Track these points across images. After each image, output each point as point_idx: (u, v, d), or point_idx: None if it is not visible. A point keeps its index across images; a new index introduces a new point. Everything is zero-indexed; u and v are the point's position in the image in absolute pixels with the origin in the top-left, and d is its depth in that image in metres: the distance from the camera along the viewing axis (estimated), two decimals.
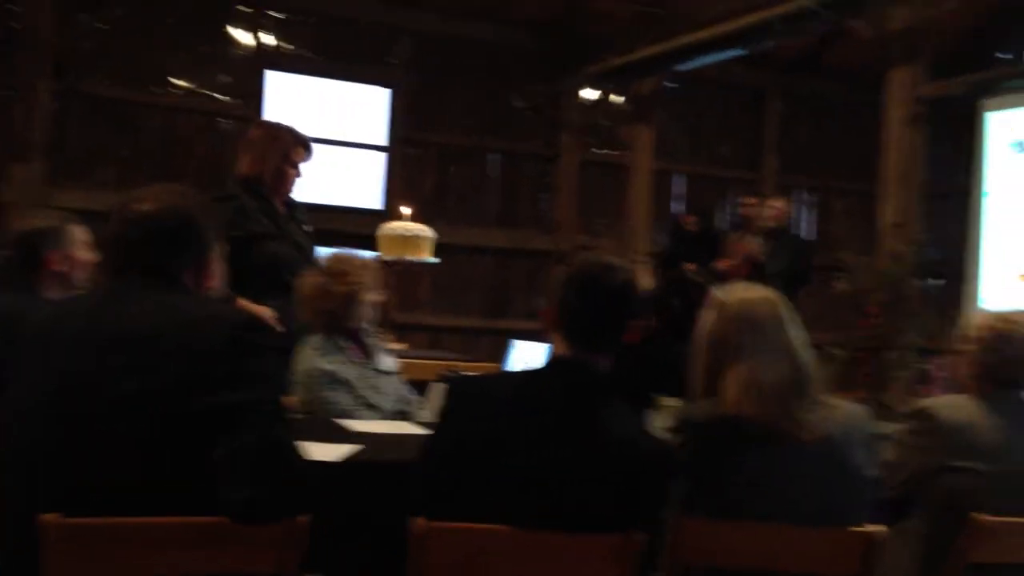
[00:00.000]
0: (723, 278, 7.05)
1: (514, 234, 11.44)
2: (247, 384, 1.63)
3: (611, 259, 2.08)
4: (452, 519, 1.75)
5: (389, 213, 11.05)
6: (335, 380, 3.09)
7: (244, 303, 3.56)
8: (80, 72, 9.57)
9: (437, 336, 11.21)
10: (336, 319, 3.22)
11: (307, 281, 3.32)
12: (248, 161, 3.88)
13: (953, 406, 2.48)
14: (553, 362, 1.96)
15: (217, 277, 1.92)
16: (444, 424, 1.89)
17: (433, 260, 3.97)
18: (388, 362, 3.38)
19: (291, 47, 10.50)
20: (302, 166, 3.95)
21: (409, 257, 3.94)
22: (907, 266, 7.17)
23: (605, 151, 11.56)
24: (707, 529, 2.01)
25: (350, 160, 10.97)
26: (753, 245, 7.00)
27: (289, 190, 3.92)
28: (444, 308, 11.29)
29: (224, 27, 10.21)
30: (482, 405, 1.86)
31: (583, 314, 2.00)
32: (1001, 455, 2.37)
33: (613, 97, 11.17)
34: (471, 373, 3.50)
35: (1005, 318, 2.53)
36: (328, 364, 3.12)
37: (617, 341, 1.99)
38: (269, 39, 10.36)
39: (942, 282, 7.33)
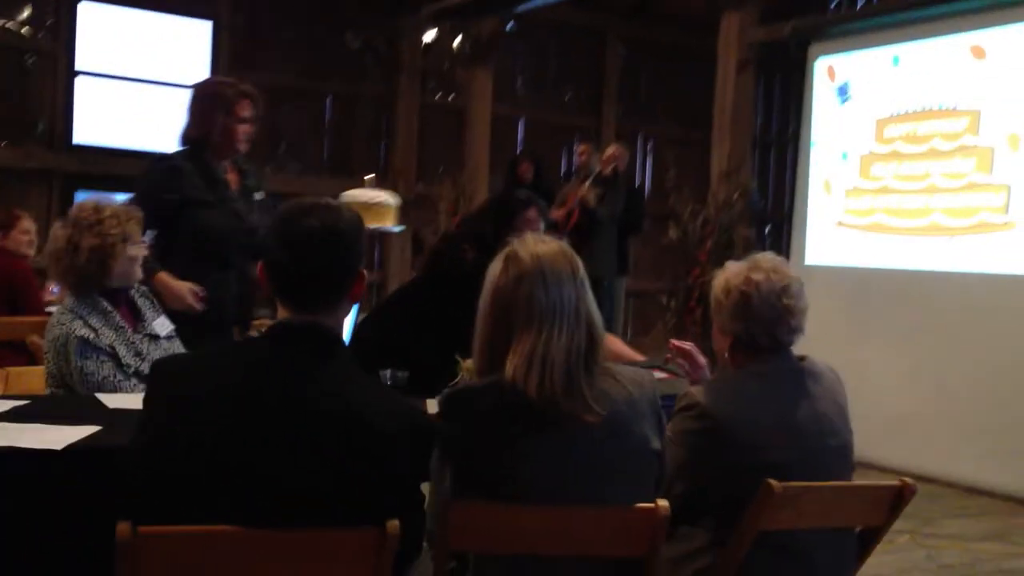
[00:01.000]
0: (555, 227, 6.91)
1: (349, 182, 10.98)
2: None
3: (316, 200, 1.74)
4: (166, 521, 1.47)
5: None
6: (90, 346, 2.72)
7: (165, 277, 3.25)
8: None
9: None
10: (89, 277, 2.82)
11: (54, 234, 2.92)
12: (190, 123, 3.56)
13: (725, 398, 2.16)
14: (271, 329, 1.68)
15: None
16: (146, 412, 1.60)
17: (398, 228, 3.59)
18: (165, 326, 3.01)
19: None
20: (247, 118, 3.55)
21: (373, 226, 3.53)
22: (736, 214, 7.18)
23: (444, 95, 11.23)
24: (482, 513, 1.79)
25: (167, 101, 10.27)
26: (584, 192, 6.86)
27: (238, 148, 3.55)
28: None
29: None
30: (189, 387, 1.57)
31: (286, 267, 1.70)
32: (786, 441, 2.11)
33: (452, 39, 10.85)
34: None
35: (745, 276, 2.19)
36: (82, 329, 2.74)
37: (338, 295, 1.70)
38: None
39: (768, 227, 7.40)
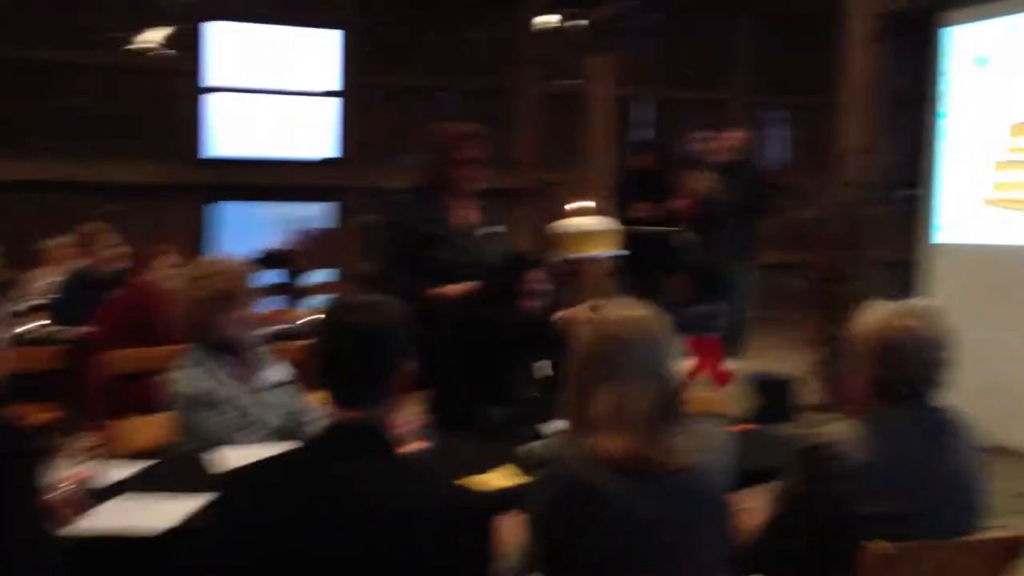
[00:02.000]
0: (676, 217, 6.78)
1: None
2: None
3: (360, 299, 1.81)
4: None
5: (345, 161, 10.73)
6: (201, 403, 2.84)
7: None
8: (4, 35, 9.16)
9: None
10: (207, 327, 2.95)
11: (174, 288, 3.08)
12: (423, 165, 3.83)
13: (854, 442, 2.09)
14: (322, 431, 1.73)
15: None
16: (218, 520, 1.67)
17: (621, 253, 3.63)
18: (277, 373, 3.11)
19: None
20: (471, 159, 3.73)
21: (594, 253, 3.55)
22: (867, 192, 6.88)
23: (564, 82, 11.16)
24: None
25: (302, 110, 10.59)
26: (704, 182, 6.69)
27: (466, 188, 3.74)
28: None
29: None
30: (253, 496, 1.63)
31: (327, 365, 1.76)
32: (916, 492, 2.05)
33: (570, 24, 10.76)
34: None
35: (901, 320, 2.17)
36: (194, 386, 2.86)
37: (378, 391, 1.73)
38: None
39: (913, 192, 7.02)
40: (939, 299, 6.30)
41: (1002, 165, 6.08)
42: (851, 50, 6.82)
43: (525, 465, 2.46)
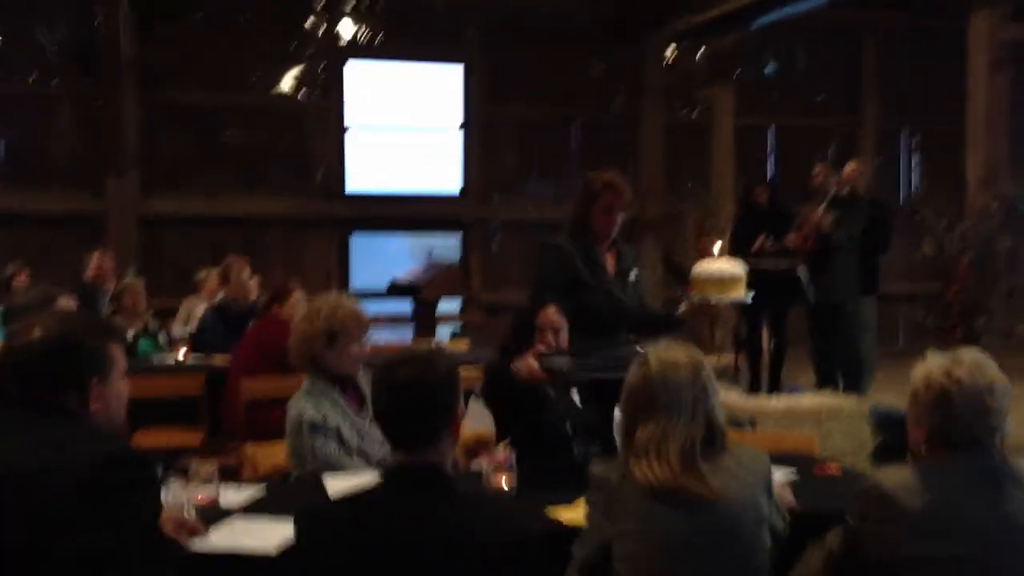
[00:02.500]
0: (792, 253, 6.76)
1: None
2: (107, 527, 1.64)
3: (412, 353, 2.03)
4: None
5: (469, 193, 11.07)
6: (318, 426, 3.08)
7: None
8: (164, 80, 9.87)
9: None
10: (318, 361, 3.21)
11: (296, 324, 3.37)
12: (572, 213, 4.05)
13: (907, 486, 2.17)
14: (386, 474, 1.92)
15: (105, 400, 1.94)
16: (296, 555, 1.88)
17: (746, 300, 3.77)
18: None
19: (366, 34, 10.53)
20: (613, 208, 3.92)
21: (728, 298, 3.73)
22: (995, 224, 6.73)
23: (688, 112, 11.22)
24: None
25: (432, 145, 11.00)
26: (819, 216, 6.64)
27: (606, 235, 3.95)
28: (528, 287, 11.23)
29: (300, 23, 10.34)
30: (328, 533, 1.83)
31: (385, 414, 1.96)
32: (965, 537, 2.11)
33: (694, 55, 10.84)
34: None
35: (947, 371, 2.22)
36: (311, 411, 3.11)
37: (434, 436, 1.91)
38: (344, 30, 10.45)
39: None
40: None
41: None
42: (975, 78, 6.71)
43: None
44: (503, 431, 3.19)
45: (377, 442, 3.17)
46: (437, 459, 1.90)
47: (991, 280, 6.73)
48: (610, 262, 3.98)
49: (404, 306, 9.85)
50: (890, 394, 7.93)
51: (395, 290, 9.91)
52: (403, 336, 10.00)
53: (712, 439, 2.22)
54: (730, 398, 6.14)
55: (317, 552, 1.82)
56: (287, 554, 1.89)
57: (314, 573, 1.81)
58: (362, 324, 3.28)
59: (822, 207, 6.68)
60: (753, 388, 7.35)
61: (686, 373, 2.25)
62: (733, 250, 8.13)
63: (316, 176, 10.58)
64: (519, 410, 3.25)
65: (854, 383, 6.57)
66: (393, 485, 1.87)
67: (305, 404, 3.16)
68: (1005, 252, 6.74)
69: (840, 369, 6.74)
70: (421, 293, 9.47)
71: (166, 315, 7.91)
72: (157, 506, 1.99)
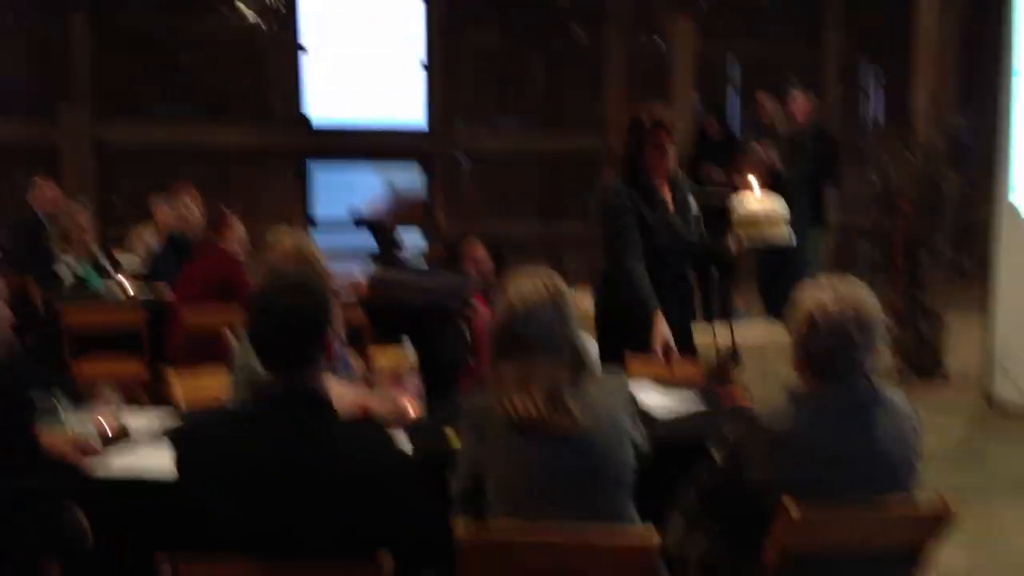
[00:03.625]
0: (739, 189, 6.78)
1: (561, 135, 11.24)
2: None
3: (286, 278, 2.05)
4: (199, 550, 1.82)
5: (432, 126, 11.01)
6: (251, 373, 3.10)
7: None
8: (116, 4, 9.70)
9: (490, 247, 11.23)
10: None
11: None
12: (624, 151, 3.93)
13: (776, 413, 2.26)
14: (261, 395, 1.97)
15: None
16: (180, 474, 1.93)
17: (790, 242, 3.69)
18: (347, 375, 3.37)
19: None
20: (662, 143, 3.78)
21: (766, 238, 3.57)
22: (940, 157, 6.77)
23: (649, 42, 11.13)
24: (493, 535, 2.07)
25: (393, 76, 10.90)
26: (765, 154, 6.65)
27: (663, 171, 3.83)
28: (494, 218, 11.27)
29: None
30: (210, 450, 1.89)
31: (258, 338, 1.98)
32: (828, 462, 2.18)
33: None
34: None
35: (818, 301, 2.26)
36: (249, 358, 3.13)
37: (306, 359, 1.94)
38: None
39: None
40: (1016, 263, 6.20)
41: None
42: (923, 13, 6.71)
43: None
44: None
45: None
46: (312, 382, 1.96)
47: (935, 215, 6.80)
48: (667, 196, 3.90)
49: (366, 238, 9.87)
50: None
51: (357, 222, 9.92)
52: (366, 270, 10.04)
53: (577, 368, 2.24)
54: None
55: (194, 470, 1.89)
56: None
57: (191, 490, 1.87)
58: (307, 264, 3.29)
59: (767, 145, 6.69)
60: (706, 317, 7.42)
61: (548, 308, 2.24)
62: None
63: (276, 107, 10.50)
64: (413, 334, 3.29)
65: None
66: (269, 407, 1.93)
67: (249, 353, 3.16)
68: (950, 188, 6.80)
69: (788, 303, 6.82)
70: (383, 226, 9.48)
71: (118, 244, 7.90)
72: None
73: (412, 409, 2.81)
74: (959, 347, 7.05)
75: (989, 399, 6.32)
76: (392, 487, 1.87)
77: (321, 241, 11.48)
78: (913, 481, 2.29)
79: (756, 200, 3.55)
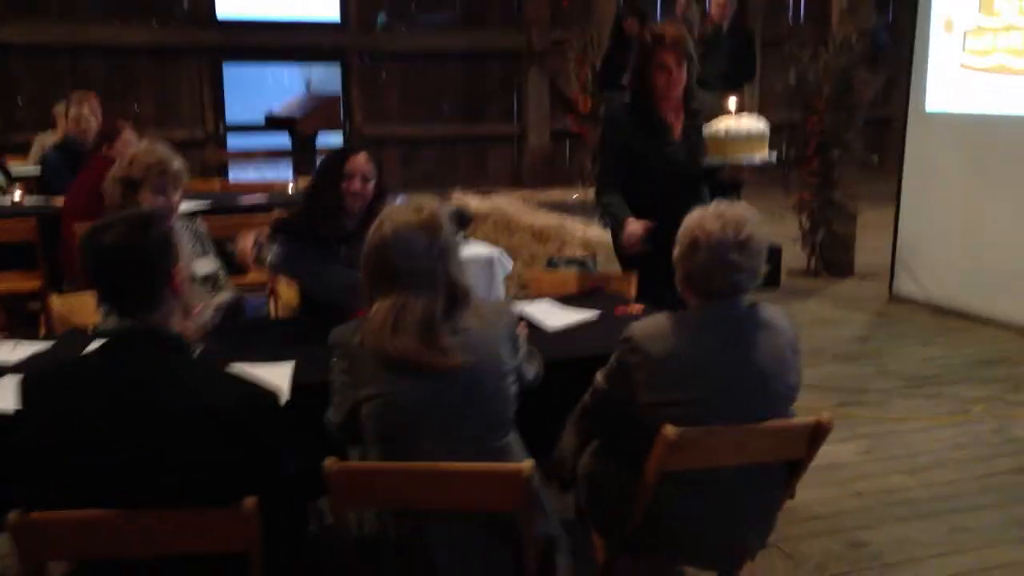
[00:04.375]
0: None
1: (482, 35, 10.99)
2: None
3: (120, 216, 1.90)
4: (55, 503, 1.75)
5: (347, 21, 10.65)
6: None
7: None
8: None
9: (412, 149, 11.06)
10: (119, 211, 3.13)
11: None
12: (630, 69, 3.57)
13: (656, 334, 2.24)
14: (106, 337, 1.88)
15: None
16: (24, 424, 1.85)
17: (771, 160, 3.28)
18: (204, 267, 3.25)
19: None
20: (668, 65, 3.40)
21: (745, 159, 3.21)
22: (856, 56, 6.75)
23: None
24: (357, 474, 1.99)
25: None
26: None
27: (668, 93, 3.45)
28: (416, 119, 11.05)
29: None
30: (56, 397, 1.80)
31: (97, 281, 1.87)
32: (705, 382, 2.18)
33: None
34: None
35: (701, 222, 2.25)
36: None
37: (152, 297, 1.84)
38: None
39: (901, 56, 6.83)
40: (923, 165, 6.28)
41: (971, 32, 5.94)
42: None
43: None
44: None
45: None
46: (157, 321, 1.87)
47: (848, 113, 6.81)
48: (678, 121, 3.51)
49: (282, 140, 9.61)
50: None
51: (272, 124, 9.63)
52: (283, 172, 9.81)
53: (453, 302, 2.13)
54: (590, 232, 6.22)
55: (42, 419, 1.80)
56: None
57: (42, 439, 1.79)
58: (165, 173, 3.18)
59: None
60: None
61: (424, 238, 2.11)
62: (602, 83, 8.08)
63: (182, 3, 10.05)
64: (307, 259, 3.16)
65: None
66: (114, 349, 1.84)
67: None
68: (863, 85, 6.80)
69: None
70: (298, 126, 9.23)
71: (21, 152, 7.59)
72: None
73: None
74: (871, 243, 7.18)
75: (892, 294, 6.47)
76: (247, 425, 1.78)
77: (236, 143, 11.19)
78: (791, 399, 2.30)
79: (737, 120, 3.22)
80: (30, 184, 6.05)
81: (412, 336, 2.05)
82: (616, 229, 3.52)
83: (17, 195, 5.37)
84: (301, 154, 9.29)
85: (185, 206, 5.04)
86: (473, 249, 4.45)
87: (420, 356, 2.04)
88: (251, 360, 2.52)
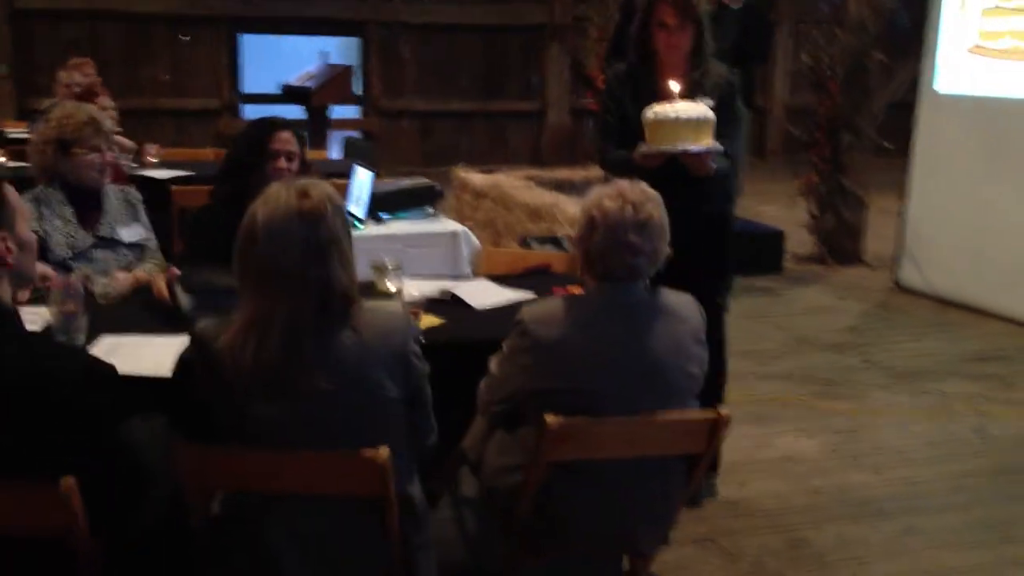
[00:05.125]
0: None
1: (504, 8, 10.83)
2: None
3: None
4: None
5: None
6: None
7: None
8: None
9: (428, 122, 10.95)
10: (51, 169, 3.08)
11: (37, 127, 3.21)
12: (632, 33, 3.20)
13: (546, 318, 2.09)
14: None
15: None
16: None
17: (718, 147, 2.90)
18: (134, 234, 3.18)
19: None
20: (670, 25, 3.05)
21: (691, 147, 2.85)
22: (871, 38, 6.52)
23: None
24: (206, 456, 1.85)
25: None
26: None
27: (670, 57, 3.09)
28: (434, 93, 10.94)
29: None
30: None
31: None
32: (596, 369, 2.05)
33: None
34: None
35: (600, 200, 2.09)
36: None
37: None
38: None
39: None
40: (933, 149, 6.05)
41: (987, 12, 5.69)
42: None
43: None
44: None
45: (99, 261, 3.08)
46: None
47: (860, 96, 6.59)
48: (676, 91, 2.98)
49: (300, 111, 9.55)
50: (760, 210, 7.96)
51: (288, 94, 9.58)
52: None
53: (330, 311, 1.83)
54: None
55: None
56: None
57: None
58: (100, 131, 3.12)
59: None
60: None
61: (300, 230, 1.80)
62: (611, 53, 7.87)
63: None
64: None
65: None
66: None
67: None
68: (878, 68, 6.57)
69: None
70: (311, 98, 9.16)
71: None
72: None
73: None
74: (885, 231, 6.96)
75: (897, 284, 6.26)
76: (70, 398, 1.69)
77: (254, 113, 11.14)
78: (692, 391, 2.18)
79: (679, 107, 2.88)
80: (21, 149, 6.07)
81: (273, 350, 1.79)
82: (626, 163, 3.01)
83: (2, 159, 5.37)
84: (314, 125, 9.23)
85: (164, 173, 5.04)
86: (438, 224, 4.35)
87: (280, 374, 1.80)
88: (147, 332, 2.46)
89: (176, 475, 1.89)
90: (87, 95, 4.96)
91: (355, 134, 10.12)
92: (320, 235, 1.83)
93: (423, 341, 2.01)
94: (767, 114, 11.37)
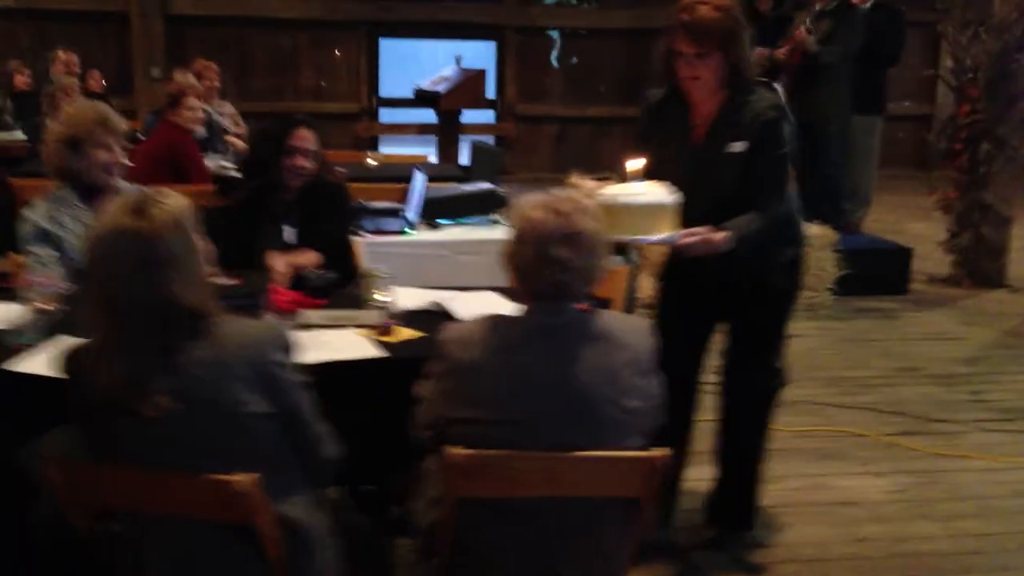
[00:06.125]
0: (778, 70, 6.09)
1: (642, 13, 10.53)
2: None
3: None
4: None
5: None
6: (42, 234, 2.95)
7: None
8: None
9: (565, 128, 10.79)
10: (64, 169, 3.09)
11: (50, 127, 3.24)
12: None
13: (465, 340, 1.91)
14: None
15: None
16: None
17: (672, 238, 2.50)
18: None
19: None
20: (685, 53, 2.66)
21: (645, 238, 2.48)
22: (1013, 39, 5.93)
23: None
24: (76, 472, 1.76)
25: None
26: (801, 33, 5.90)
27: (688, 89, 2.73)
28: (572, 98, 10.76)
29: None
30: None
31: None
32: (512, 398, 1.84)
33: None
34: None
35: (528, 211, 1.88)
36: (42, 219, 2.99)
37: None
38: None
39: None
40: None
41: None
42: None
43: None
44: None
45: None
46: None
47: (1004, 102, 5.98)
48: (702, 126, 2.73)
49: (429, 116, 9.58)
50: (888, 225, 7.36)
51: (421, 98, 9.63)
52: (426, 147, 9.79)
53: (171, 329, 1.71)
54: None
55: None
56: None
57: None
58: (110, 129, 3.11)
59: (807, 20, 5.98)
60: None
61: (134, 246, 1.66)
62: None
63: None
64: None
65: (834, 213, 6.04)
66: None
67: (39, 208, 3.04)
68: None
69: (825, 199, 6.12)
70: (441, 102, 9.17)
71: None
72: None
73: None
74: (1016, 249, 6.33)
75: None
76: None
77: (389, 118, 11.29)
78: (629, 426, 1.92)
79: (633, 189, 2.48)
80: None
81: (118, 373, 1.69)
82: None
83: None
84: (444, 129, 9.22)
85: None
86: (493, 232, 4.19)
87: (129, 397, 1.69)
88: None
89: (51, 490, 1.81)
90: (176, 97, 5.06)
91: (487, 139, 10.07)
92: (154, 255, 1.69)
93: (294, 354, 1.85)
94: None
